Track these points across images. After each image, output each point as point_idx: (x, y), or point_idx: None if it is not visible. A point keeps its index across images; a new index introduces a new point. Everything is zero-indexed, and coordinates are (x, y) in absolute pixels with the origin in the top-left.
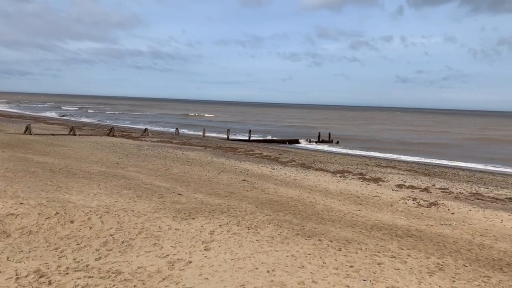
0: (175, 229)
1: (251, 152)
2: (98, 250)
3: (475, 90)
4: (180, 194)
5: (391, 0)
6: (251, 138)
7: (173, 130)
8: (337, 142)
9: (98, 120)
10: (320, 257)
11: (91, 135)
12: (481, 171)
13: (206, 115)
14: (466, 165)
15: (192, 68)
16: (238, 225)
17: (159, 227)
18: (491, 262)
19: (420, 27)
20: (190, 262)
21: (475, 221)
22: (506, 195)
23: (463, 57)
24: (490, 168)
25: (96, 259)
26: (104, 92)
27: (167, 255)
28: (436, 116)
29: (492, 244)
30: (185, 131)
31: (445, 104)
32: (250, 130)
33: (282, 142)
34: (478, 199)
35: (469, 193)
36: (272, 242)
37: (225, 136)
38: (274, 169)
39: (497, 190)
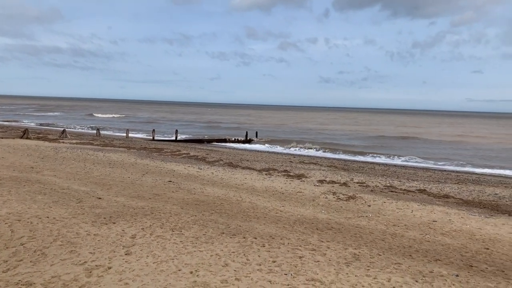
0: (94, 234)
1: (177, 153)
2: (7, 261)
3: (391, 90)
4: (100, 198)
5: (319, 3)
6: (178, 138)
7: (93, 131)
8: (264, 141)
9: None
10: (244, 255)
11: (1, 138)
12: (395, 165)
13: (115, 115)
14: (383, 161)
15: (115, 67)
16: (161, 228)
17: (77, 233)
18: (402, 249)
19: (343, 29)
20: (110, 268)
21: (389, 212)
22: (416, 187)
23: (381, 59)
24: (406, 163)
25: (3, 271)
26: (19, 91)
27: (84, 262)
28: (359, 114)
29: (403, 233)
30: (106, 132)
31: (364, 103)
32: (176, 130)
33: (210, 141)
34: (391, 191)
35: (384, 186)
36: (196, 243)
37: (150, 136)
38: (201, 169)
39: (409, 183)
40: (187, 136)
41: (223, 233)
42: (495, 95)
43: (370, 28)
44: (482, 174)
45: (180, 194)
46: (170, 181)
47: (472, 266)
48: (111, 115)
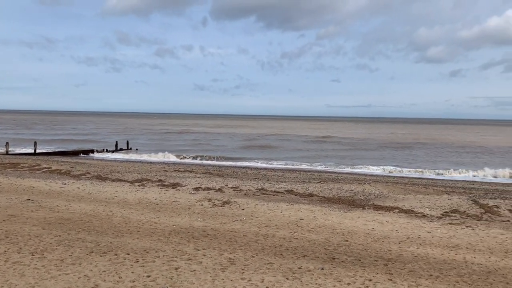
0: None
1: (37, 167)
2: None
3: (261, 97)
4: None
5: (197, 12)
6: (38, 151)
7: None
8: (136, 150)
9: None
10: (116, 272)
11: None
12: (265, 169)
13: None
14: (253, 165)
15: None
16: (19, 253)
17: None
18: (273, 249)
19: (218, 38)
20: None
21: (261, 213)
22: (285, 188)
23: (253, 68)
24: (274, 166)
25: None
26: None
27: None
28: (230, 121)
29: (274, 233)
30: None
31: (236, 109)
32: (35, 142)
33: (75, 153)
34: (263, 193)
35: (256, 189)
36: (61, 266)
37: (3, 150)
38: (65, 184)
39: (278, 184)
40: (49, 148)
41: (92, 252)
42: (350, 102)
43: (244, 38)
44: (340, 173)
45: (41, 213)
46: (29, 200)
47: (334, 259)
48: None
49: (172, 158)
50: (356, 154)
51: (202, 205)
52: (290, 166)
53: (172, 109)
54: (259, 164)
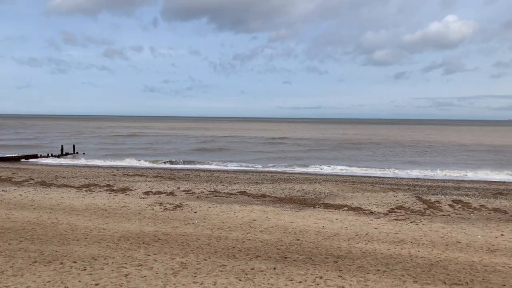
0: None
1: None
2: None
3: (213, 99)
4: None
5: (148, 12)
6: None
7: None
8: (83, 154)
9: None
10: (62, 282)
11: None
12: (218, 171)
13: None
14: (206, 167)
15: None
16: None
17: None
18: (226, 251)
19: (169, 39)
20: None
21: (214, 216)
22: (238, 189)
23: (205, 69)
24: (227, 167)
25: None
26: None
27: None
28: (182, 123)
29: (227, 235)
30: None
31: (189, 111)
32: None
33: (16, 159)
34: (216, 196)
35: (209, 191)
36: (1, 278)
37: None
38: (5, 191)
39: (231, 186)
40: None
41: (36, 261)
42: (301, 103)
43: (196, 39)
44: (292, 173)
45: None
46: None
47: (286, 258)
48: None
49: (120, 162)
50: (308, 155)
51: (153, 209)
52: (243, 168)
53: (122, 111)
54: (211, 166)
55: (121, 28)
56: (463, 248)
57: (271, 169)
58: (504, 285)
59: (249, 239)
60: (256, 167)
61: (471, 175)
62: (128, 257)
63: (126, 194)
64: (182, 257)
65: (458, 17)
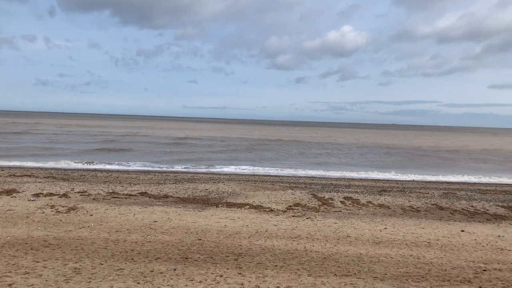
0: None
1: None
2: None
3: (114, 96)
4: None
5: (43, 0)
6: None
7: None
8: None
9: None
10: None
11: None
12: (117, 171)
13: None
14: (103, 167)
15: None
16: None
17: None
18: (124, 254)
19: (67, 30)
20: None
21: (112, 218)
22: (138, 190)
23: (106, 64)
24: (128, 168)
25: None
26: None
27: None
28: (79, 120)
29: (125, 238)
30: None
31: (87, 108)
32: None
33: None
34: (114, 197)
35: (107, 193)
36: None
37: None
38: None
39: (131, 187)
40: None
41: None
42: (206, 103)
43: (97, 32)
44: (196, 173)
45: None
46: None
47: (187, 258)
48: None
49: (3, 162)
50: (213, 155)
51: (43, 212)
52: (145, 168)
53: (9, 107)
54: (110, 166)
55: (12, 15)
56: (352, 241)
57: (175, 169)
58: (386, 274)
59: (149, 241)
60: (159, 167)
61: (362, 174)
62: (13, 265)
63: (12, 197)
64: (76, 262)
65: (353, 27)
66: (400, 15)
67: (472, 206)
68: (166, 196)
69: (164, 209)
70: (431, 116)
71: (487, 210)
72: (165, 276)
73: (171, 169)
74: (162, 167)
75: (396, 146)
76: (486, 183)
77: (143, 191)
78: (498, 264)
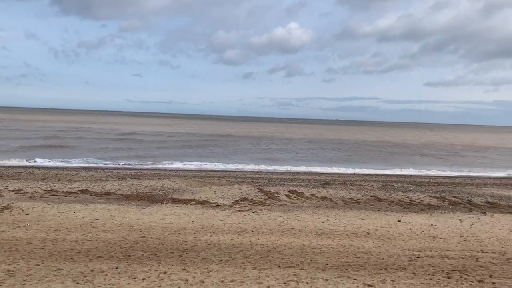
0: None
1: None
2: None
3: (53, 89)
4: None
5: None
6: None
7: None
8: None
9: None
10: None
11: None
12: (56, 168)
13: None
14: (42, 164)
15: None
16: None
17: None
18: (63, 254)
19: (0, 19)
20: None
21: (50, 217)
22: (79, 187)
23: (44, 56)
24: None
25: None
26: None
27: None
28: (13, 114)
29: (65, 237)
30: None
31: (23, 102)
32: None
33: None
34: (53, 195)
35: (44, 190)
36: None
37: None
38: None
39: (71, 184)
40: None
41: None
42: (151, 97)
43: (34, 21)
44: (140, 169)
45: None
46: None
47: (130, 256)
48: None
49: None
50: (158, 151)
51: None
52: (86, 164)
53: None
54: (49, 163)
55: None
56: (296, 233)
57: (118, 165)
58: (327, 264)
59: (90, 240)
60: (101, 164)
61: (307, 168)
62: None
63: None
64: (9, 264)
65: (299, 25)
66: (344, 14)
67: (408, 197)
68: (108, 193)
69: (106, 207)
70: (371, 112)
71: (422, 200)
72: (106, 275)
73: (114, 166)
74: (105, 164)
75: (341, 141)
76: (421, 176)
77: (84, 188)
78: (431, 251)
